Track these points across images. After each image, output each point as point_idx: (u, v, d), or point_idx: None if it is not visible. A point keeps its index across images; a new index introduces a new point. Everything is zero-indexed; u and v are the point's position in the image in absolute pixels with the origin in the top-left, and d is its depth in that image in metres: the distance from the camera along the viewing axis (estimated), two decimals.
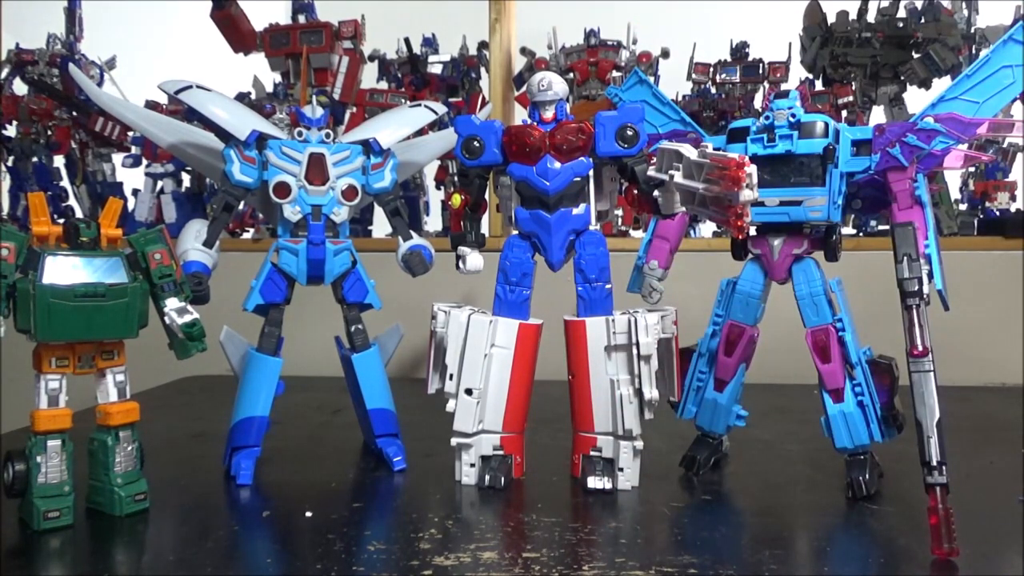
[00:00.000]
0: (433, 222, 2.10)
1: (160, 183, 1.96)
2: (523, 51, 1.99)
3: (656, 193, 0.88)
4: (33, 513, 0.75)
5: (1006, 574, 0.68)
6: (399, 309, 1.14)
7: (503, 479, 0.89)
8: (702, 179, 0.81)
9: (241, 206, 1.17)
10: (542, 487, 0.91)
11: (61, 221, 0.79)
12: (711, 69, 1.99)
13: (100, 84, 1.99)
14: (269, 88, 1.95)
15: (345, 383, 1.06)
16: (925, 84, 1.76)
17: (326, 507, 0.83)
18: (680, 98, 1.99)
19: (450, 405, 0.90)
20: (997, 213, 1.77)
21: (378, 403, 1.01)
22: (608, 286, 0.90)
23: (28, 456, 0.77)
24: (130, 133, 1.97)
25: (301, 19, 1.87)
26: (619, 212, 1.81)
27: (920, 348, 0.74)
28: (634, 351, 0.86)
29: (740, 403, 0.97)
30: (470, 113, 1.08)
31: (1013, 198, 1.79)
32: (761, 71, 1.97)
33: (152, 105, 1.85)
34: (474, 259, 0.94)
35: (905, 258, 0.79)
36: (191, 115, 1.37)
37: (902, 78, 1.77)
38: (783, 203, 0.87)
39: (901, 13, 1.79)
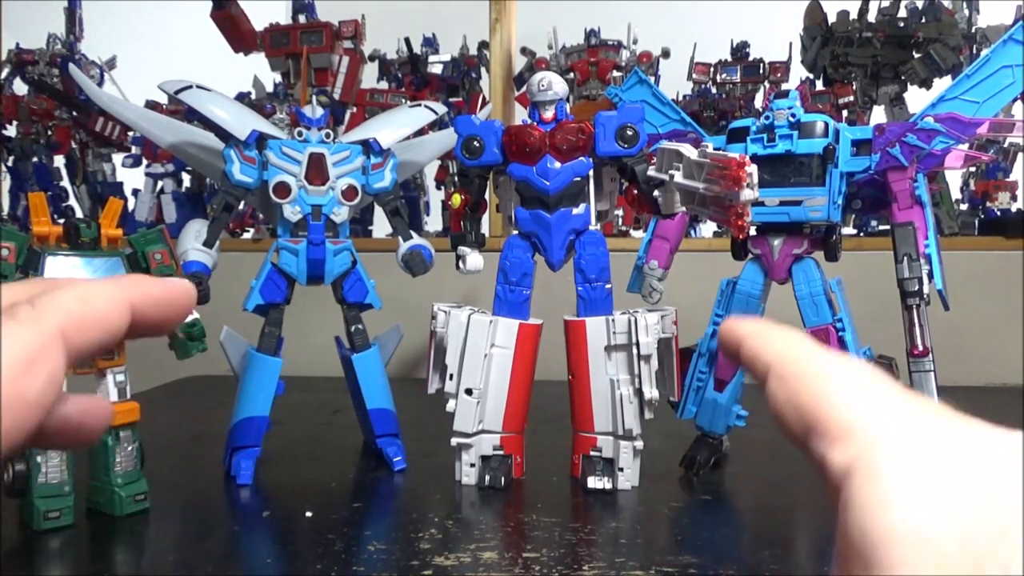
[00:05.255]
0: (433, 222, 2.11)
1: (160, 183, 1.96)
2: (523, 51, 1.99)
3: (656, 193, 0.88)
4: (33, 513, 0.75)
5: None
6: (399, 309, 1.14)
7: (503, 479, 0.89)
8: (702, 179, 0.81)
9: (241, 206, 1.17)
10: (542, 487, 0.91)
11: (61, 221, 0.79)
12: (711, 69, 1.99)
13: (100, 84, 2.00)
14: (269, 88, 1.95)
15: (345, 383, 1.06)
16: (926, 84, 1.76)
17: (326, 507, 0.83)
18: (680, 98, 1.99)
19: (450, 405, 0.90)
20: (998, 213, 1.77)
21: (378, 403, 1.01)
22: (608, 286, 0.90)
23: (28, 456, 0.76)
24: (130, 133, 1.97)
25: (301, 19, 1.87)
26: (619, 212, 1.81)
27: (920, 348, 0.75)
28: (634, 351, 0.86)
29: (740, 403, 0.97)
30: (470, 113, 1.08)
31: (1014, 198, 1.79)
32: (761, 71, 1.97)
33: (152, 105, 1.85)
34: (474, 259, 0.94)
35: (905, 258, 0.79)
36: (191, 115, 1.37)
37: (903, 78, 1.77)
38: (783, 203, 0.87)
39: (902, 13, 1.79)
